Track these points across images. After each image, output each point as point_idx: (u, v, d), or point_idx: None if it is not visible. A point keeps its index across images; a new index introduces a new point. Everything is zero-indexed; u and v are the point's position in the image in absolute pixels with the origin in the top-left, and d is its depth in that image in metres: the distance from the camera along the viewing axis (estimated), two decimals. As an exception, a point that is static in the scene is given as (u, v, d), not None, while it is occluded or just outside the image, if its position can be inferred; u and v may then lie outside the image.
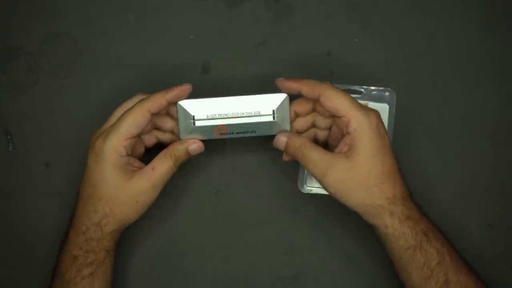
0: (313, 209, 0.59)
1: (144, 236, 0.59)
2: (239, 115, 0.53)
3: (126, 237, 0.56)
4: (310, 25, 0.60)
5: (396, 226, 0.50)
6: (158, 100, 0.51)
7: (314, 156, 0.51)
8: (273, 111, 0.53)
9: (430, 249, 0.50)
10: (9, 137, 0.60)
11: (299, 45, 0.60)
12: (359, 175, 0.50)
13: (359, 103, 0.51)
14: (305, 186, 0.58)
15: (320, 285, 0.58)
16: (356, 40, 0.60)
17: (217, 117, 0.53)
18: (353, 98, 0.51)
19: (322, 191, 0.57)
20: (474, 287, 0.50)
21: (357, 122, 0.49)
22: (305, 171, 0.57)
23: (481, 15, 0.60)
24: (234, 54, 0.60)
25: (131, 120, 0.51)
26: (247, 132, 0.54)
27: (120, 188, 0.51)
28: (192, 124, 0.53)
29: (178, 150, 0.53)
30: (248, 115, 0.53)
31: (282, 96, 0.53)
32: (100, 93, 0.60)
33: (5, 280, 0.59)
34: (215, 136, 0.54)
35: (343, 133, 0.51)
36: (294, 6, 0.60)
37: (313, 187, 0.57)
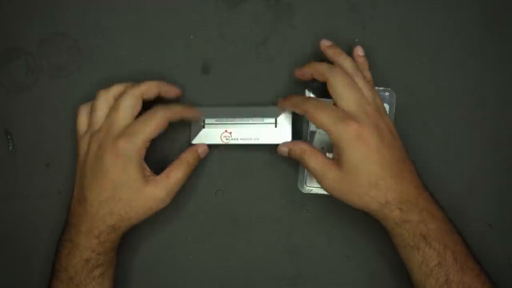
0: (313, 209, 0.59)
1: (144, 236, 0.59)
2: (245, 122, 0.57)
3: (126, 237, 0.56)
4: (310, 25, 0.60)
5: (392, 227, 0.51)
6: (178, 113, 0.55)
7: (312, 163, 0.52)
8: (276, 120, 0.57)
9: (429, 251, 0.50)
10: (9, 137, 0.60)
11: (299, 45, 0.60)
12: (348, 183, 0.51)
13: (342, 114, 0.50)
14: (305, 186, 0.58)
15: (320, 285, 0.58)
16: (356, 40, 0.60)
17: (225, 122, 0.57)
18: (335, 110, 0.51)
19: (322, 191, 0.57)
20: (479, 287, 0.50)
21: (335, 136, 0.50)
22: (305, 171, 0.57)
23: (481, 14, 0.60)
24: (234, 54, 0.60)
25: (156, 123, 0.52)
26: (251, 139, 0.57)
27: (138, 192, 0.52)
28: (202, 128, 0.57)
29: (190, 157, 0.55)
30: (253, 122, 0.57)
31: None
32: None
33: (5, 280, 0.59)
34: (222, 141, 0.57)
35: None
36: (294, 6, 0.60)
37: (313, 187, 0.58)
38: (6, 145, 0.60)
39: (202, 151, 0.57)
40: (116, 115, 0.53)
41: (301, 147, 0.53)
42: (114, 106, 0.53)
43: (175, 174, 0.54)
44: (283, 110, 0.57)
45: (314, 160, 0.52)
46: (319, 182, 0.53)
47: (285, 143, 0.55)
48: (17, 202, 0.59)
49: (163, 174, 0.54)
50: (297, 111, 0.54)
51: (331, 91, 0.52)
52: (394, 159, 0.51)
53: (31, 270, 0.59)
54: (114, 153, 0.51)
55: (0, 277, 0.59)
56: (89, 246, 0.52)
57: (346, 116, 0.50)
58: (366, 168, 0.50)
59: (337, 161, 0.51)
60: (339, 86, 0.51)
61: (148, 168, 0.54)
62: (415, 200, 0.50)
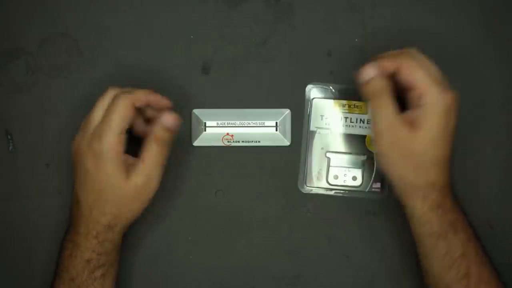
0: (313, 209, 0.59)
1: (144, 236, 0.59)
2: (246, 125, 0.58)
3: (126, 236, 0.56)
4: (310, 25, 0.60)
5: (425, 211, 0.49)
6: (142, 97, 0.52)
7: (385, 108, 0.48)
8: (276, 123, 0.57)
9: (455, 241, 0.49)
10: (9, 137, 0.60)
11: (299, 45, 0.60)
12: (414, 151, 0.48)
13: (441, 78, 0.48)
14: (305, 186, 0.58)
15: (320, 285, 0.58)
16: (356, 40, 0.60)
17: (226, 125, 0.58)
18: (436, 71, 0.48)
19: (322, 191, 0.57)
20: (495, 283, 0.50)
21: (430, 98, 0.47)
22: (305, 170, 0.57)
23: (481, 15, 0.60)
24: (234, 54, 0.60)
25: (119, 114, 0.50)
26: (252, 141, 0.58)
27: (122, 188, 0.51)
28: (203, 130, 0.58)
29: (160, 132, 0.51)
30: (254, 125, 0.58)
31: (285, 111, 0.58)
32: (100, 93, 0.59)
33: (5, 280, 0.59)
34: (223, 143, 0.58)
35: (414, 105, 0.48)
36: (294, 6, 0.60)
37: (313, 187, 0.58)
38: (6, 145, 0.60)
39: (170, 123, 0.51)
40: (91, 115, 0.52)
41: (381, 85, 0.48)
42: (92, 108, 0.53)
43: (149, 156, 0.51)
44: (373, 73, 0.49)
45: (387, 107, 0.48)
46: (379, 131, 0.49)
47: (373, 66, 0.49)
48: (17, 202, 0.59)
49: (138, 160, 0.51)
50: (389, 65, 0.49)
51: (406, 75, 0.48)
52: (453, 143, 0.50)
53: (31, 270, 0.59)
54: (90, 156, 0.51)
55: (0, 277, 0.59)
56: (89, 246, 0.52)
57: (446, 83, 0.48)
58: (442, 143, 0.48)
59: (412, 121, 0.48)
60: (417, 67, 0.48)
61: (129, 160, 0.52)
62: (450, 187, 0.50)
